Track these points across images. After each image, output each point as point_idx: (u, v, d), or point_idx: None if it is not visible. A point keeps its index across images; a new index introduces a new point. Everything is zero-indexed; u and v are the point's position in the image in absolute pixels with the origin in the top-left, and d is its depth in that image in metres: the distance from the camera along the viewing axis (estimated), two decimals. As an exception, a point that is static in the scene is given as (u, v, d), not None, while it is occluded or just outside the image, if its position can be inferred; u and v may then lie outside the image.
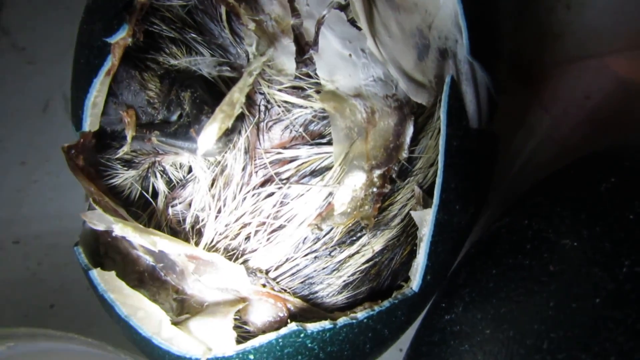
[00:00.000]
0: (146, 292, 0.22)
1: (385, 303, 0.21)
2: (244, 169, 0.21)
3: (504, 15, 0.25)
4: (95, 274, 0.21)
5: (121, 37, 0.20)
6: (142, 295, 0.21)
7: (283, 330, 0.20)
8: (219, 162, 0.21)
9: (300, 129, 0.21)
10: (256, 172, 0.21)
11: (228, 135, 0.20)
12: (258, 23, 0.20)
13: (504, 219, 0.23)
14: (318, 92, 0.21)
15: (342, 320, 0.21)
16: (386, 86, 0.21)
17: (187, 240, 0.22)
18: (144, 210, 0.23)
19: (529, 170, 0.32)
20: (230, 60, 0.21)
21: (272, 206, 0.21)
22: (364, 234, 0.22)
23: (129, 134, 0.21)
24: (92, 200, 0.21)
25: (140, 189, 0.22)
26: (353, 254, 0.22)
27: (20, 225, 0.35)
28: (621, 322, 0.16)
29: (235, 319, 0.21)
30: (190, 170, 0.22)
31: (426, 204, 0.22)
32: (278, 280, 0.22)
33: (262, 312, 0.22)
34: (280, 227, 0.21)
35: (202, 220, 0.21)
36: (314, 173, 0.21)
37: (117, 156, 0.22)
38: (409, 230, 0.22)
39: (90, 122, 0.21)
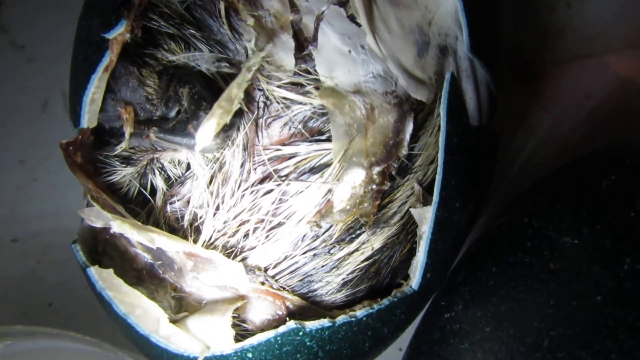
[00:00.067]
0: (144, 290, 0.21)
1: (385, 301, 0.21)
2: (242, 165, 0.21)
3: (504, 12, 0.25)
4: (93, 271, 0.21)
5: (119, 33, 0.20)
6: (140, 293, 0.21)
7: (282, 329, 0.20)
8: (218, 159, 0.21)
9: (300, 126, 0.21)
10: (255, 169, 0.21)
11: (226, 131, 0.20)
12: (257, 19, 0.20)
13: (504, 217, 0.23)
14: (317, 88, 0.21)
15: (341, 319, 0.21)
16: (386, 83, 0.21)
17: (185, 237, 0.21)
18: (142, 207, 0.23)
19: (530, 169, 0.32)
20: (229, 56, 0.21)
21: (270, 203, 0.21)
22: (364, 232, 0.22)
23: (127, 130, 0.21)
24: (90, 197, 0.21)
25: (138, 186, 0.22)
26: (352, 252, 0.22)
27: (19, 224, 0.35)
28: (622, 320, 0.16)
29: (233, 317, 0.21)
30: (188, 167, 0.22)
31: (426, 202, 0.21)
32: (277, 278, 0.22)
33: (260, 310, 0.22)
34: (279, 224, 0.21)
35: (201, 218, 0.21)
36: (313, 170, 0.21)
37: (115, 153, 0.22)
38: (409, 227, 0.22)
39: (89, 118, 0.21)
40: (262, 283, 0.21)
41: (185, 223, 0.22)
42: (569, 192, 0.21)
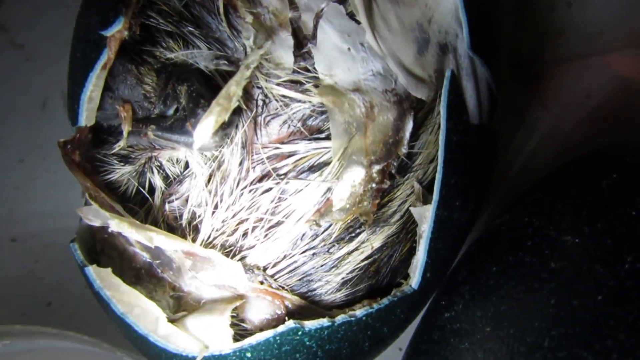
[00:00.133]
0: (143, 289, 0.21)
1: (384, 301, 0.21)
2: (241, 164, 0.21)
3: (504, 10, 0.25)
4: (91, 270, 0.21)
5: (117, 30, 0.20)
6: (139, 292, 0.21)
7: (280, 328, 0.20)
8: (216, 157, 0.21)
9: (299, 124, 0.21)
10: (253, 167, 0.21)
11: (225, 129, 0.20)
12: (256, 16, 0.20)
13: (504, 217, 0.22)
14: (316, 86, 0.21)
15: (340, 318, 0.21)
16: (385, 80, 0.21)
17: (184, 236, 0.21)
18: (140, 206, 0.22)
19: (530, 169, 0.32)
20: (228, 53, 0.21)
21: (269, 202, 0.21)
22: (363, 231, 0.22)
23: (125, 128, 0.21)
24: (88, 196, 0.21)
25: (136, 184, 0.22)
26: (352, 251, 0.22)
27: (18, 223, 0.34)
28: (623, 319, 0.16)
29: (232, 317, 0.21)
30: (187, 165, 0.22)
31: (426, 200, 0.21)
32: (276, 277, 0.22)
33: (259, 309, 0.21)
34: (278, 223, 0.21)
35: (199, 217, 0.21)
36: (313, 168, 0.21)
37: (113, 151, 0.22)
38: (409, 227, 0.22)
39: (87, 116, 0.21)
40: (261, 282, 0.21)
41: (184, 222, 0.22)
42: (569, 191, 0.21)
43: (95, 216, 0.21)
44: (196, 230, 0.21)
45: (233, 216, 0.21)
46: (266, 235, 0.21)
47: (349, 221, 0.21)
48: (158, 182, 0.22)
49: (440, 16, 0.22)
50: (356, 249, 0.22)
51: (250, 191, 0.21)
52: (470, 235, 0.25)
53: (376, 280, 0.23)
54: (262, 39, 0.20)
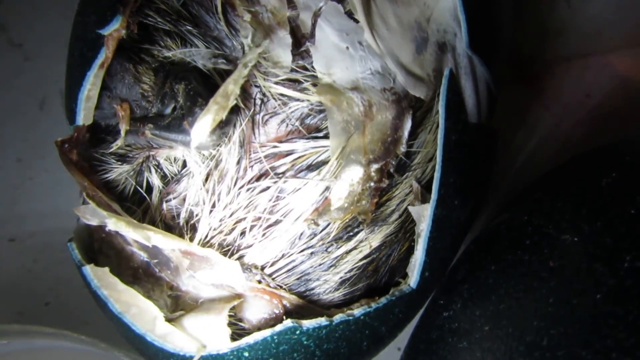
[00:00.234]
0: (140, 289, 0.21)
1: (382, 300, 0.21)
2: (238, 162, 0.21)
3: (503, 9, 0.25)
4: (89, 269, 0.21)
5: (115, 29, 0.20)
6: (136, 291, 0.21)
7: (278, 327, 0.20)
8: (214, 156, 0.21)
9: (297, 123, 0.21)
10: (251, 166, 0.21)
11: (222, 128, 0.20)
12: (254, 14, 0.20)
13: (503, 215, 0.22)
14: (315, 85, 0.21)
15: (338, 317, 0.21)
16: (384, 79, 0.21)
17: (181, 235, 0.21)
18: (138, 205, 0.22)
19: (530, 168, 0.32)
20: (226, 52, 0.21)
21: (267, 201, 0.21)
22: (361, 230, 0.21)
23: (123, 127, 0.21)
24: (86, 195, 0.21)
25: (134, 183, 0.22)
26: (350, 250, 0.22)
27: (16, 223, 0.34)
28: (622, 318, 0.15)
29: (230, 316, 0.21)
30: (184, 164, 0.22)
31: (424, 199, 0.21)
32: (274, 276, 0.21)
33: (257, 308, 0.21)
34: (276, 222, 0.21)
35: (197, 216, 0.21)
36: (311, 167, 0.21)
37: (111, 150, 0.22)
38: (407, 226, 0.22)
39: (84, 115, 0.21)
40: (259, 281, 0.21)
41: (181, 221, 0.22)
42: (569, 189, 0.20)
43: (93, 215, 0.21)
44: (194, 229, 0.21)
45: (231, 215, 0.21)
46: (264, 234, 0.21)
47: (347, 220, 0.21)
48: (156, 181, 0.22)
49: (438, 15, 0.21)
50: (354, 248, 0.22)
51: (247, 190, 0.21)
52: (469, 234, 0.25)
53: (374, 280, 0.23)
54: (260, 37, 0.20)
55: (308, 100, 0.21)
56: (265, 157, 0.21)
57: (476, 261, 0.21)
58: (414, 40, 0.21)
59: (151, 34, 0.21)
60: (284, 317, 0.21)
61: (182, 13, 0.21)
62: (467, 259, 0.22)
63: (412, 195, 0.22)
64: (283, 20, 0.20)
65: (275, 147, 0.21)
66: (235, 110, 0.20)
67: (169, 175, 0.22)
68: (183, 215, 0.21)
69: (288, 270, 0.22)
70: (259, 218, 0.21)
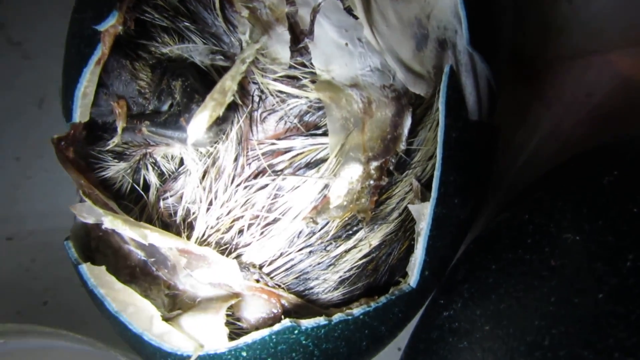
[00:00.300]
0: (137, 288, 0.21)
1: (382, 299, 0.21)
2: (236, 160, 0.21)
3: (504, 6, 0.24)
4: (85, 268, 0.21)
5: (111, 25, 0.19)
6: (133, 290, 0.20)
7: (276, 327, 0.20)
8: (211, 154, 0.21)
9: (295, 120, 0.21)
10: (249, 163, 0.21)
11: (219, 124, 0.20)
12: (252, 10, 0.20)
13: (503, 214, 0.22)
14: (313, 81, 0.20)
15: (337, 317, 0.20)
16: (383, 76, 0.21)
17: (178, 233, 0.21)
18: (135, 203, 0.22)
19: (531, 167, 0.32)
20: (224, 49, 0.21)
21: (265, 199, 0.21)
22: (361, 229, 0.21)
23: (120, 125, 0.21)
24: (82, 193, 0.21)
25: (131, 181, 0.22)
26: (350, 249, 0.21)
27: (14, 222, 0.34)
28: (624, 317, 0.15)
29: (228, 315, 0.21)
30: (182, 162, 0.22)
31: (424, 198, 0.21)
32: (272, 275, 0.21)
33: (255, 308, 0.21)
34: (275, 220, 0.21)
35: (194, 214, 0.21)
36: (309, 165, 0.21)
37: (107, 148, 0.22)
38: (407, 225, 0.22)
39: (81, 113, 0.21)
40: (257, 280, 0.21)
41: (178, 219, 0.21)
42: (570, 188, 0.20)
43: (89, 213, 0.20)
44: (191, 227, 0.21)
45: (228, 213, 0.21)
46: (262, 233, 0.21)
47: (346, 219, 0.21)
48: (153, 179, 0.22)
49: (439, 12, 0.21)
50: (354, 247, 0.21)
51: (245, 188, 0.21)
52: (470, 234, 0.25)
53: (374, 279, 0.22)
54: (258, 33, 0.20)
55: (307, 97, 0.21)
56: (263, 154, 0.21)
57: (476, 260, 0.21)
58: (414, 37, 0.21)
59: (148, 31, 0.21)
60: (283, 317, 0.21)
61: (179, 9, 0.21)
62: (468, 258, 0.22)
63: (412, 194, 0.21)
64: (281, 17, 0.20)
65: (273, 144, 0.21)
66: (232, 107, 0.20)
67: (166, 173, 0.22)
68: (180, 213, 0.21)
69: (286, 269, 0.21)
70: (257, 216, 0.21)
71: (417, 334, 0.22)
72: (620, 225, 0.17)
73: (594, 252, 0.17)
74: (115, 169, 0.22)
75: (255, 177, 0.21)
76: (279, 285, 0.21)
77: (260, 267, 0.21)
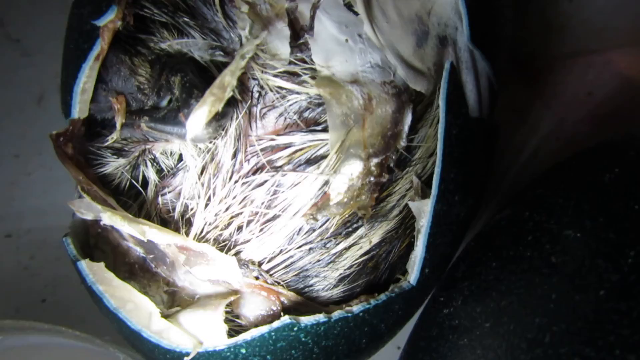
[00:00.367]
0: (136, 284, 0.21)
1: (382, 296, 0.21)
2: (234, 156, 0.21)
3: (505, 3, 0.24)
4: (84, 264, 0.21)
5: (110, 20, 0.19)
6: (132, 287, 0.20)
7: (276, 324, 0.20)
8: (210, 150, 0.21)
9: (295, 116, 0.21)
10: (248, 159, 0.21)
11: (218, 120, 0.20)
12: (251, 6, 0.20)
13: (504, 211, 0.22)
14: (313, 78, 0.20)
15: (337, 314, 0.20)
16: (384, 72, 0.21)
17: (177, 230, 0.21)
18: (134, 199, 0.22)
19: (531, 166, 0.32)
20: (223, 44, 0.21)
21: (263, 195, 0.20)
22: (361, 226, 0.21)
23: (119, 121, 0.20)
24: (81, 189, 0.21)
25: (129, 177, 0.22)
26: (350, 246, 0.21)
27: (13, 219, 0.34)
28: (626, 314, 0.15)
29: (227, 312, 0.21)
30: (181, 158, 0.21)
31: (425, 195, 0.21)
32: (271, 272, 0.21)
33: (254, 305, 0.21)
34: (274, 217, 0.21)
35: (192, 210, 0.21)
36: (310, 161, 0.21)
37: (106, 144, 0.22)
38: (408, 222, 0.22)
39: (80, 108, 0.21)
40: (256, 278, 0.21)
41: (176, 214, 0.21)
42: (571, 185, 0.20)
43: (88, 209, 0.20)
44: (189, 223, 0.21)
45: (226, 209, 0.21)
46: (261, 230, 0.21)
47: (346, 216, 0.21)
48: (151, 175, 0.22)
49: (439, 8, 0.21)
50: (354, 244, 0.21)
51: (243, 184, 0.21)
52: (470, 232, 0.25)
53: (374, 277, 0.22)
54: (258, 29, 0.20)
55: (307, 93, 0.20)
56: (262, 150, 0.20)
57: (477, 257, 0.21)
58: (415, 34, 0.21)
59: (148, 26, 0.21)
60: (282, 314, 0.21)
61: (179, 5, 0.21)
62: (468, 255, 0.22)
63: (412, 191, 0.21)
64: (281, 12, 0.20)
65: (272, 140, 0.20)
66: (232, 103, 0.20)
67: (165, 169, 0.22)
68: (178, 209, 0.21)
69: (286, 267, 0.21)
70: (257, 213, 0.21)
71: (417, 331, 0.22)
72: (622, 222, 0.17)
73: (595, 249, 0.17)
74: (114, 165, 0.22)
75: (254, 173, 0.21)
76: (278, 283, 0.21)
77: (260, 264, 0.21)
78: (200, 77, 0.20)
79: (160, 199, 0.21)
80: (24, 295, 0.33)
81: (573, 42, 0.31)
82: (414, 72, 0.21)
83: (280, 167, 0.20)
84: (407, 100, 0.21)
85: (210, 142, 0.20)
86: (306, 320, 0.20)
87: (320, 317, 0.20)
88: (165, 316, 0.20)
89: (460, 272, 0.21)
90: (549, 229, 0.19)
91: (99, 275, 0.20)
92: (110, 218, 0.20)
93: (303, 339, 0.20)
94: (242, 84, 0.20)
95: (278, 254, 0.21)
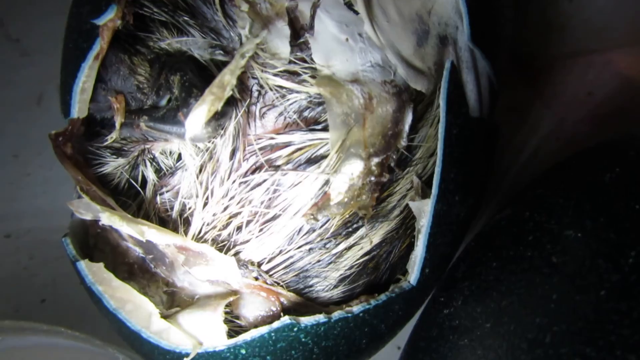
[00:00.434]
0: (136, 285, 0.21)
1: (382, 297, 0.21)
2: (233, 154, 0.20)
3: (505, 2, 0.24)
4: (83, 265, 0.21)
5: (109, 19, 0.19)
6: (131, 287, 0.20)
7: (276, 324, 0.20)
8: (209, 149, 0.21)
9: (295, 116, 0.20)
10: (247, 158, 0.21)
11: (218, 119, 0.19)
12: (251, 5, 0.20)
13: (504, 211, 0.22)
14: (313, 77, 0.20)
15: (337, 314, 0.20)
16: (384, 72, 0.21)
17: (175, 229, 0.21)
18: (133, 199, 0.22)
19: (532, 167, 0.32)
20: (223, 44, 0.21)
21: (262, 194, 0.20)
22: (362, 226, 0.21)
23: (118, 120, 0.20)
24: (79, 189, 0.21)
25: (128, 177, 0.22)
26: (351, 246, 0.21)
27: (12, 219, 0.34)
28: (627, 314, 0.15)
29: (226, 313, 0.20)
30: (180, 157, 0.21)
31: (425, 195, 0.21)
32: (271, 273, 0.21)
33: (254, 306, 0.21)
34: (274, 217, 0.21)
35: (190, 209, 0.21)
36: (310, 161, 0.20)
37: (106, 144, 0.21)
38: (408, 222, 0.22)
39: (79, 108, 0.21)
40: (256, 278, 0.21)
41: (174, 213, 0.21)
42: (571, 185, 0.20)
43: (86, 209, 0.20)
44: (187, 223, 0.21)
45: (224, 209, 0.21)
46: (261, 230, 0.21)
47: (347, 216, 0.21)
48: (150, 174, 0.22)
49: (440, 7, 0.21)
50: (355, 244, 0.21)
51: (241, 183, 0.20)
52: (470, 232, 0.25)
53: (375, 277, 0.22)
54: (258, 28, 0.20)
55: (306, 93, 0.20)
56: (262, 149, 0.20)
57: (477, 258, 0.21)
58: (415, 33, 0.21)
59: (147, 25, 0.21)
60: (282, 314, 0.20)
61: (178, 3, 0.21)
62: (468, 255, 0.22)
63: (413, 191, 0.21)
64: (281, 11, 0.20)
65: (272, 138, 0.20)
66: (232, 103, 0.20)
67: (164, 168, 0.22)
68: (176, 208, 0.21)
69: (286, 267, 0.21)
70: (256, 213, 0.21)
71: (418, 331, 0.22)
72: (622, 222, 0.17)
73: (596, 249, 0.17)
74: (114, 165, 0.22)
75: (253, 172, 0.21)
76: (278, 283, 0.21)
77: (259, 264, 0.21)
78: (200, 76, 0.20)
79: (158, 198, 0.21)
80: (23, 295, 0.32)
81: (573, 42, 0.31)
82: (414, 72, 0.21)
83: (280, 166, 0.20)
84: (407, 99, 0.21)
85: (210, 142, 0.20)
86: (306, 320, 0.20)
87: (320, 318, 0.20)
88: (165, 317, 0.20)
89: (461, 272, 0.21)
90: (550, 229, 0.18)
91: (98, 276, 0.20)
92: (109, 218, 0.20)
93: (303, 340, 0.20)
94: (242, 83, 0.20)
95: (278, 255, 0.21)
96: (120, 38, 0.20)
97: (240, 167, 0.21)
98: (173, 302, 0.21)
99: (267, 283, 0.21)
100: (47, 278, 0.33)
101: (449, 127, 0.20)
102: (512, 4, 0.26)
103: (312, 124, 0.21)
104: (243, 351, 0.20)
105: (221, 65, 0.20)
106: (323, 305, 0.22)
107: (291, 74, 0.20)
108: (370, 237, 0.21)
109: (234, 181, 0.20)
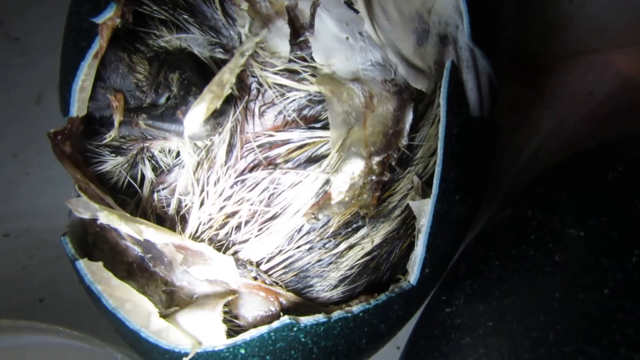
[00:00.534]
0: (134, 284, 0.21)
1: (382, 297, 0.21)
2: (230, 151, 0.20)
3: (506, 2, 0.24)
4: (82, 264, 0.20)
5: (109, 17, 0.19)
6: (130, 286, 0.20)
7: (275, 324, 0.19)
8: (206, 146, 0.20)
9: (294, 114, 0.20)
10: (245, 156, 0.20)
11: (217, 118, 0.19)
12: (251, 3, 0.20)
13: (506, 210, 0.22)
14: (313, 75, 0.20)
15: (336, 314, 0.20)
16: (385, 71, 0.20)
17: (173, 227, 0.21)
18: (132, 197, 0.22)
19: (532, 167, 0.31)
20: (223, 42, 0.21)
21: (260, 193, 0.20)
22: (362, 226, 0.21)
23: (117, 118, 0.20)
24: (78, 188, 0.20)
25: (127, 175, 0.22)
26: (352, 246, 0.21)
27: (12, 218, 0.34)
28: (631, 312, 0.15)
29: (225, 313, 0.20)
30: (178, 156, 0.21)
31: (425, 195, 0.21)
32: (270, 272, 0.21)
33: (252, 305, 0.21)
34: (273, 216, 0.20)
35: (186, 206, 0.21)
36: (310, 160, 0.20)
37: (105, 142, 0.21)
38: (409, 222, 0.22)
39: (78, 107, 0.21)
40: (255, 278, 0.21)
41: (171, 210, 0.21)
42: (574, 184, 0.20)
43: (85, 208, 0.20)
44: (184, 220, 0.21)
45: (221, 208, 0.20)
46: (260, 229, 0.21)
47: (348, 216, 0.21)
48: (148, 172, 0.22)
49: (440, 6, 0.21)
50: (356, 244, 0.21)
51: (239, 181, 0.20)
52: (470, 233, 0.25)
53: (375, 277, 0.22)
54: (257, 27, 0.20)
55: (306, 91, 0.20)
56: (260, 146, 0.20)
57: (479, 256, 0.21)
58: (415, 32, 0.21)
59: (147, 23, 0.21)
60: (281, 314, 0.20)
61: (178, 2, 0.20)
62: (470, 254, 0.22)
63: (414, 191, 0.21)
64: (281, 10, 0.20)
65: (270, 136, 0.20)
66: (230, 101, 0.20)
67: (163, 167, 0.22)
68: (173, 205, 0.21)
69: (285, 267, 0.21)
70: (255, 212, 0.20)
71: (419, 330, 0.22)
72: (625, 220, 0.17)
73: (599, 248, 0.17)
74: (113, 164, 0.22)
75: (251, 170, 0.20)
76: (277, 283, 0.21)
77: (258, 264, 0.21)
78: (199, 74, 0.20)
79: (155, 195, 0.21)
80: (22, 295, 0.32)
81: (574, 42, 0.31)
82: (414, 71, 0.21)
83: (278, 164, 0.20)
84: (408, 98, 0.21)
85: (208, 140, 0.20)
86: (306, 320, 0.20)
87: (320, 317, 0.20)
88: (164, 316, 0.20)
89: (463, 271, 0.21)
90: (552, 227, 0.18)
91: (97, 275, 0.20)
92: (107, 217, 0.20)
93: (302, 339, 0.20)
94: (241, 82, 0.20)
95: (277, 254, 0.21)
96: (119, 36, 0.20)
97: (237, 163, 0.20)
98: (172, 301, 0.21)
99: (266, 283, 0.21)
100: (46, 277, 0.33)
101: (449, 126, 0.20)
102: (513, 3, 0.26)
103: (311, 123, 0.20)
104: (242, 351, 0.20)
105: (221, 63, 0.20)
106: (323, 305, 0.22)
107: (291, 73, 0.20)
108: (371, 237, 0.21)
109: (229, 176, 0.20)
